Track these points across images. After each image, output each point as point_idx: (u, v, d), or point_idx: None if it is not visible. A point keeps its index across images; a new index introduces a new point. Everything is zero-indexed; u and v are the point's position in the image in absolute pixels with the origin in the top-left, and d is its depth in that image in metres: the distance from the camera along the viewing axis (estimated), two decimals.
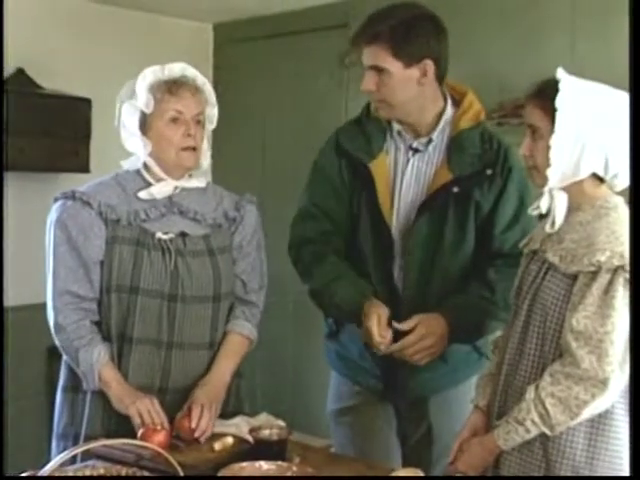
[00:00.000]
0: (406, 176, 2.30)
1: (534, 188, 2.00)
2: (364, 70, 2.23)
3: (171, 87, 2.16)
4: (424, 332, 2.17)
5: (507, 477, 1.88)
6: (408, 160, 2.31)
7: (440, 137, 2.30)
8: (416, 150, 2.31)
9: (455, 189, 2.24)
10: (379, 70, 2.20)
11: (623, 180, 1.85)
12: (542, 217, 1.97)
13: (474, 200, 2.26)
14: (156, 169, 2.19)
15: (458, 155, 2.26)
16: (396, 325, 2.17)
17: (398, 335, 2.18)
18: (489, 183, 2.26)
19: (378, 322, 2.16)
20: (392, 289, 2.29)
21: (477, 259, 2.30)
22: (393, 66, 2.18)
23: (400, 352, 2.18)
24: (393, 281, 2.29)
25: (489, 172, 2.25)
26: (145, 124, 2.17)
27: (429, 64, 2.21)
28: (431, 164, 2.30)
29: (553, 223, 1.87)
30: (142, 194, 2.19)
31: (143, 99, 2.15)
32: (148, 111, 2.15)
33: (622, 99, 1.83)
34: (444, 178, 2.25)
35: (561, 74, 1.83)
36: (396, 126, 2.32)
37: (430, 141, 2.30)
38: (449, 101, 2.33)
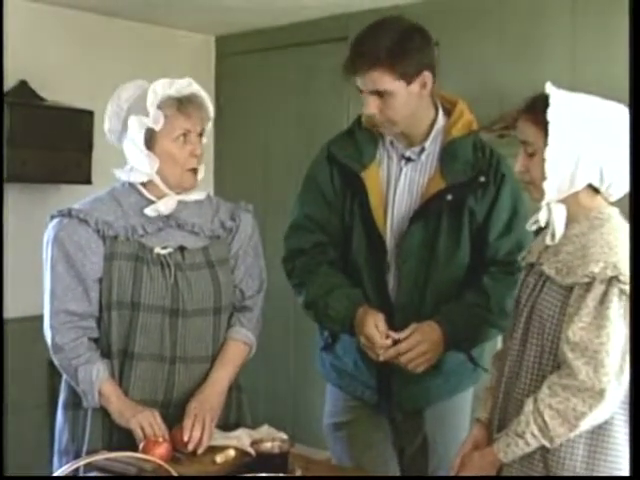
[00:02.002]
0: (399, 185, 2.31)
1: (529, 199, 2.00)
2: (364, 94, 2.21)
3: (180, 105, 2.14)
4: (419, 338, 2.17)
5: (506, 477, 1.88)
6: (401, 169, 2.31)
7: (432, 146, 2.31)
8: (409, 159, 2.31)
9: (449, 197, 2.24)
10: (381, 93, 2.19)
11: (618, 190, 1.86)
12: (539, 230, 1.97)
13: (468, 208, 2.26)
14: (161, 185, 2.18)
15: (451, 163, 2.27)
16: (392, 334, 2.17)
17: (394, 344, 2.18)
18: (483, 190, 2.27)
19: (376, 327, 2.17)
20: (386, 299, 2.29)
21: (472, 267, 2.30)
22: (396, 86, 2.17)
23: (396, 359, 2.18)
24: (387, 291, 2.29)
25: (482, 179, 2.26)
26: (151, 140, 2.15)
27: (427, 75, 2.21)
28: (424, 173, 2.30)
29: (553, 236, 1.87)
30: (148, 211, 2.17)
31: (153, 116, 2.12)
32: (157, 128, 2.13)
33: (613, 109, 1.84)
34: (437, 186, 2.25)
35: (550, 88, 1.84)
36: (388, 136, 2.33)
37: (423, 150, 2.30)
38: (440, 110, 2.33)
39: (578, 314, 1.76)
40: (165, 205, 2.18)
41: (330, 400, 2.50)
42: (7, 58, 3.41)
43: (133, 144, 2.14)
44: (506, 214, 2.28)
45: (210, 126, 2.26)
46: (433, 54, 2.25)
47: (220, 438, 2.13)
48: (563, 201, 1.86)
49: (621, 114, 1.83)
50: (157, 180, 2.18)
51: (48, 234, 2.17)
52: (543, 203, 1.87)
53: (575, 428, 1.77)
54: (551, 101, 1.81)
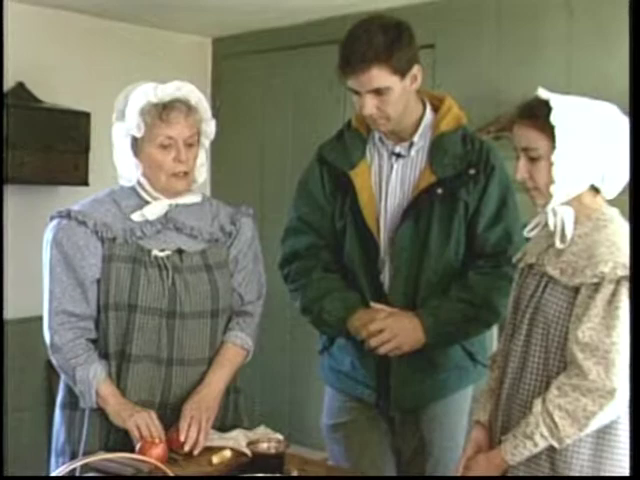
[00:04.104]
0: (391, 182, 2.32)
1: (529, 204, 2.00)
2: (359, 95, 2.21)
3: (162, 112, 2.12)
4: (389, 322, 2.21)
5: (505, 477, 1.87)
6: (392, 166, 2.33)
7: (422, 141, 2.32)
8: (399, 155, 2.33)
9: (439, 191, 2.25)
10: (378, 91, 2.20)
11: (615, 189, 1.86)
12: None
13: (462, 201, 2.27)
14: (149, 189, 2.20)
15: (440, 157, 2.28)
16: (374, 305, 2.24)
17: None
18: (474, 183, 2.28)
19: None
20: (381, 295, 2.30)
21: (464, 260, 2.31)
22: (392, 82, 2.19)
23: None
24: (382, 288, 2.31)
25: (472, 172, 2.27)
26: (136, 146, 2.16)
27: (418, 68, 2.24)
28: (415, 168, 2.32)
29: (563, 238, 1.86)
30: (135, 216, 2.17)
31: (133, 123, 2.12)
32: (139, 135, 2.13)
33: (607, 109, 1.85)
34: (428, 181, 2.27)
35: (544, 93, 1.84)
36: (377, 133, 2.34)
37: (412, 145, 2.32)
38: (428, 107, 2.35)
39: (587, 314, 1.76)
40: (151, 211, 2.19)
41: (328, 401, 2.51)
42: (5, 60, 3.41)
43: (117, 149, 2.17)
44: (494, 205, 2.28)
45: (212, 127, 2.24)
46: (416, 48, 2.26)
47: (216, 439, 2.14)
48: (567, 203, 1.86)
49: (614, 113, 1.84)
50: (146, 185, 2.20)
51: (47, 235, 2.18)
52: (548, 208, 1.87)
53: (585, 428, 1.77)
54: (553, 105, 1.81)
